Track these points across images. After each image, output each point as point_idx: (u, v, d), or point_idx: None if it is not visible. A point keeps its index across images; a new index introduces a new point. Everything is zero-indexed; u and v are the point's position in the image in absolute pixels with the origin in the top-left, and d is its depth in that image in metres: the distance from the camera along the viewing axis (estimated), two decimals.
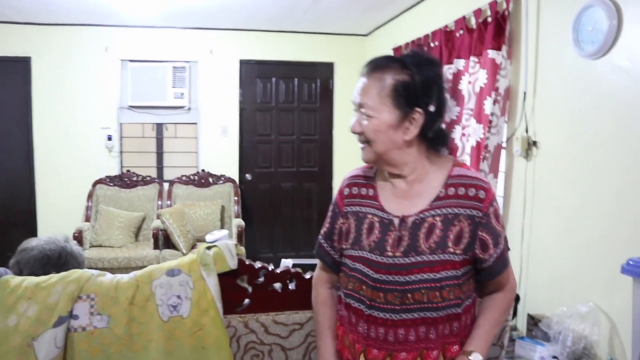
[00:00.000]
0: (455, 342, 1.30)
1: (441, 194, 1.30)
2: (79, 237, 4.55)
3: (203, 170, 5.46)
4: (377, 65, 1.29)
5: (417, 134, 1.29)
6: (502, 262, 1.33)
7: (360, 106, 1.29)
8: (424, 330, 1.27)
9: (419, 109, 1.27)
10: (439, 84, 1.30)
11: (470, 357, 1.29)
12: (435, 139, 1.33)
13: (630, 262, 1.74)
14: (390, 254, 1.28)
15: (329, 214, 1.47)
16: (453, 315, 1.28)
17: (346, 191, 1.43)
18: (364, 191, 1.40)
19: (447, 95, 1.36)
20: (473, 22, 3.32)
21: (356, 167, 1.47)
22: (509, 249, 1.37)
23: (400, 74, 1.27)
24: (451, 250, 1.26)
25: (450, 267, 1.26)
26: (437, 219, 1.28)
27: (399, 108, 1.26)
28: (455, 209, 1.28)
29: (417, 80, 1.26)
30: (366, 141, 1.30)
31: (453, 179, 1.31)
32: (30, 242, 1.75)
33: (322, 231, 1.48)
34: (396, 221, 1.30)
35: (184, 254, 4.40)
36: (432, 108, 1.27)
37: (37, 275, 1.64)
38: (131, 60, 5.35)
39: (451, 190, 1.29)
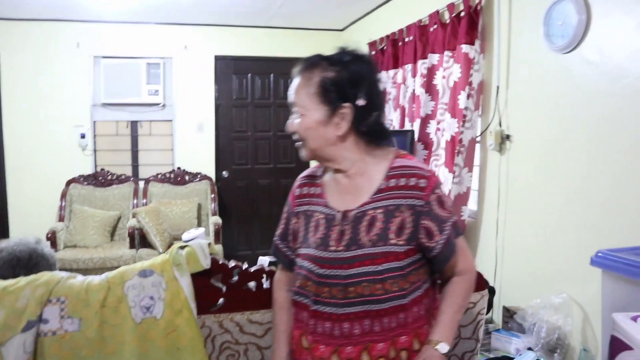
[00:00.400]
0: (404, 333, 1.29)
1: (382, 186, 1.31)
2: (52, 238, 4.46)
3: (179, 168, 5.40)
4: (306, 64, 1.32)
5: (351, 128, 1.30)
6: (450, 247, 1.32)
7: (292, 105, 1.32)
8: (369, 323, 1.27)
9: (346, 104, 1.28)
10: (370, 78, 1.31)
11: (436, 347, 1.29)
12: (372, 133, 1.33)
13: (599, 254, 1.77)
14: (333, 248, 1.30)
15: (284, 214, 1.49)
16: (398, 307, 1.27)
17: (297, 191, 1.46)
18: (312, 190, 1.42)
19: (381, 89, 1.37)
20: (447, 17, 3.34)
21: (308, 169, 1.49)
22: (460, 233, 1.37)
23: (327, 71, 1.29)
24: (393, 241, 1.27)
25: (393, 259, 1.27)
26: (378, 211, 1.29)
27: (326, 104, 1.28)
28: (396, 200, 1.29)
29: (344, 76, 1.28)
30: (301, 139, 1.33)
31: (394, 170, 1.32)
32: (1, 244, 1.71)
33: (277, 232, 1.49)
34: (338, 216, 1.32)
35: (160, 253, 4.35)
36: (361, 102, 1.28)
37: (6, 277, 1.60)
38: (104, 57, 5.25)
39: (392, 182, 1.30)
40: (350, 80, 1.29)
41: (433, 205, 1.29)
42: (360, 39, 5.05)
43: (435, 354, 1.30)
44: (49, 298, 1.44)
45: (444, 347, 1.30)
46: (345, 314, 1.27)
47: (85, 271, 4.30)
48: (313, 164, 1.48)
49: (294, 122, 1.33)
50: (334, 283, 1.28)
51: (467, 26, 3.06)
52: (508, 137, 2.87)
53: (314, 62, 1.31)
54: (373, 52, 4.61)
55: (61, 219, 4.92)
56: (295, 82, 1.33)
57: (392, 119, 4.11)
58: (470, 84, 3.02)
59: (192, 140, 5.50)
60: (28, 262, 1.66)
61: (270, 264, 1.75)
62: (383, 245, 1.27)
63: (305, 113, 1.30)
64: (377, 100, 1.33)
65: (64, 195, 5.02)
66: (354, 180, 1.35)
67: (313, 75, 1.30)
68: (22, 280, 1.46)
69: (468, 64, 3.06)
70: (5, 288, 1.42)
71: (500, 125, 2.93)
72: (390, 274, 1.26)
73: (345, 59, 1.31)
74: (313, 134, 1.31)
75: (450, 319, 1.34)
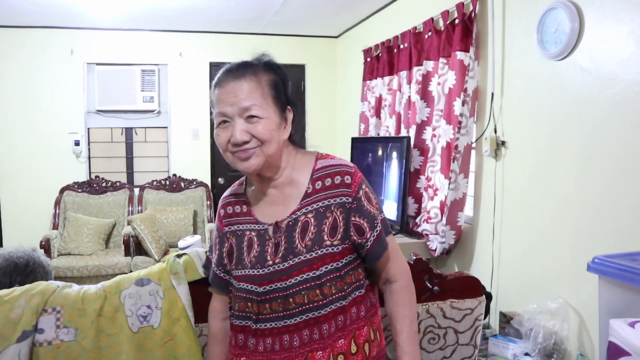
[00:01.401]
0: (342, 336, 1.24)
1: (309, 190, 1.27)
2: (46, 246, 4.43)
3: (174, 175, 5.39)
4: (246, 68, 1.25)
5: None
6: (381, 244, 1.29)
7: (245, 110, 1.20)
8: (307, 333, 1.24)
9: (289, 107, 1.29)
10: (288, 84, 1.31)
11: None
12: (297, 137, 1.35)
13: (596, 260, 1.78)
14: (270, 262, 1.25)
15: (215, 239, 1.42)
16: (338, 310, 1.24)
17: (222, 212, 1.39)
18: (237, 209, 1.37)
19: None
20: (441, 24, 3.36)
21: (229, 188, 1.44)
22: (390, 231, 1.34)
23: (268, 74, 1.26)
24: (328, 243, 1.24)
25: (330, 261, 1.24)
26: (310, 215, 1.25)
27: (278, 107, 1.25)
28: (325, 201, 1.26)
29: (282, 79, 1.28)
30: (257, 146, 1.22)
31: (318, 172, 1.29)
32: None
33: (213, 260, 1.42)
34: (270, 229, 1.28)
35: (156, 261, 4.33)
36: (292, 106, 1.30)
37: (1, 284, 1.59)
38: (98, 64, 5.26)
39: (318, 184, 1.27)
40: (285, 84, 1.28)
41: (362, 200, 1.27)
42: (355, 46, 5.07)
43: None
44: (45, 308, 1.42)
45: None
46: (285, 326, 1.24)
47: (80, 279, 4.27)
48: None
49: (251, 128, 1.21)
50: (274, 297, 1.24)
51: (462, 33, 3.08)
52: (503, 143, 2.89)
53: (251, 66, 1.26)
54: (368, 59, 4.63)
55: (55, 226, 4.89)
56: (241, 85, 1.21)
57: (388, 125, 4.12)
58: (465, 90, 3.03)
59: (187, 147, 5.50)
60: (25, 268, 1.65)
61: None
62: (318, 248, 1.23)
63: (266, 115, 1.22)
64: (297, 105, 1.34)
65: (58, 203, 4.99)
66: (282, 190, 1.31)
67: (259, 77, 1.24)
68: (17, 290, 1.45)
69: (463, 70, 3.07)
70: (0, 297, 1.41)
71: (495, 131, 2.94)
72: (328, 277, 1.23)
73: (273, 64, 1.29)
74: (275, 137, 1.24)
75: (409, 335, 1.30)
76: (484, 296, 1.77)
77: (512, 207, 2.85)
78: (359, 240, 1.27)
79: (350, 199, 1.25)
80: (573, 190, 2.41)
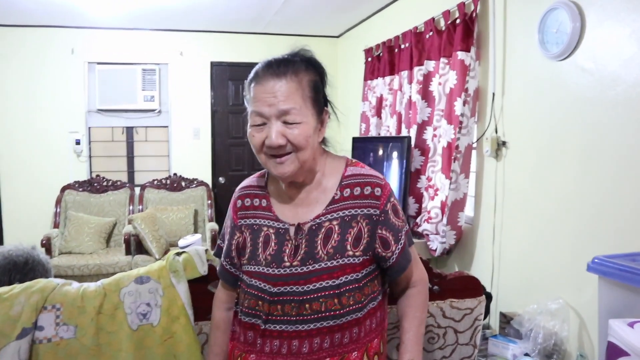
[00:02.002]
0: (356, 349, 1.23)
1: (336, 196, 1.24)
2: (47, 244, 4.44)
3: (175, 174, 5.39)
4: (287, 65, 1.18)
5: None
6: (406, 257, 1.29)
7: (283, 113, 1.15)
8: (318, 341, 1.21)
9: (326, 108, 1.25)
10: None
11: None
12: (326, 140, 1.30)
13: (596, 260, 1.78)
14: (287, 264, 1.21)
15: (226, 229, 1.38)
16: (353, 322, 1.22)
17: (239, 203, 1.34)
18: (256, 202, 1.32)
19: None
20: (442, 24, 3.36)
21: (247, 179, 1.40)
22: (412, 242, 1.34)
23: (309, 74, 1.20)
24: (350, 253, 1.21)
25: (350, 271, 1.21)
26: (334, 222, 1.22)
27: (316, 109, 1.21)
28: (352, 210, 1.23)
29: (322, 78, 1.24)
30: (292, 151, 1.18)
31: (347, 179, 1.25)
32: None
33: (224, 249, 1.38)
34: (291, 230, 1.24)
35: (157, 259, 4.33)
36: (329, 107, 1.26)
37: (1, 282, 1.59)
38: (99, 63, 5.26)
39: (346, 192, 1.24)
40: (324, 83, 1.24)
41: (389, 214, 1.24)
42: (356, 46, 5.07)
43: None
44: (44, 305, 1.43)
45: None
46: (297, 331, 1.21)
47: (81, 278, 4.28)
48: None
49: (287, 132, 1.16)
50: (288, 300, 1.21)
51: (463, 33, 3.08)
52: (504, 143, 2.88)
53: (294, 63, 1.19)
54: (369, 59, 4.63)
55: (56, 225, 4.89)
56: (280, 85, 1.15)
57: (388, 125, 4.12)
58: (466, 90, 3.03)
59: (188, 146, 5.50)
60: (24, 266, 1.65)
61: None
62: (340, 257, 1.20)
63: (305, 120, 1.17)
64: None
65: (58, 202, 5.00)
66: (309, 193, 1.26)
67: (300, 77, 1.18)
68: (16, 287, 1.45)
69: (464, 70, 3.07)
70: None
71: (496, 131, 2.94)
72: (347, 287, 1.20)
73: (314, 61, 1.24)
74: (311, 143, 1.19)
75: (415, 334, 1.30)
76: (483, 296, 1.77)
77: (513, 208, 2.85)
78: (384, 254, 1.25)
79: (378, 212, 1.23)
80: (573, 190, 2.41)
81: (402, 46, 3.91)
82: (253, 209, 1.31)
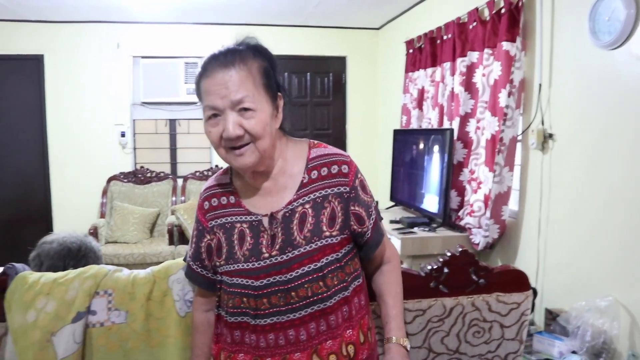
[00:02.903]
0: (350, 327, 1.24)
1: (305, 179, 1.23)
2: (94, 233, 4.59)
3: (216, 166, 5.47)
4: (234, 55, 1.16)
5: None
6: (379, 231, 1.30)
7: (237, 103, 1.13)
8: (314, 325, 1.20)
9: (279, 94, 1.23)
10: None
11: (404, 344, 1.29)
12: (286, 125, 1.28)
13: None
14: (266, 255, 1.20)
15: (194, 232, 1.35)
16: (342, 301, 1.22)
17: (206, 205, 1.31)
18: (224, 200, 1.29)
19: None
20: (487, 14, 3.28)
21: (209, 179, 1.36)
22: (381, 217, 1.34)
23: (258, 61, 1.18)
24: (327, 234, 1.21)
25: (330, 252, 1.21)
26: (307, 206, 1.21)
27: (270, 95, 1.19)
28: (322, 191, 1.22)
29: (272, 64, 1.22)
30: (250, 142, 1.16)
31: (313, 161, 1.25)
32: (51, 236, 1.78)
33: (189, 253, 1.37)
34: (265, 220, 1.23)
35: None
36: (283, 92, 1.25)
37: (56, 267, 1.65)
38: (143, 57, 5.37)
39: (314, 174, 1.23)
40: (274, 69, 1.22)
41: (358, 190, 1.25)
42: (397, 38, 5.02)
43: (402, 351, 1.29)
44: (97, 290, 1.47)
45: (408, 343, 1.30)
46: (290, 320, 1.20)
47: (126, 266, 4.37)
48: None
49: (244, 122, 1.14)
50: (273, 291, 1.19)
51: (508, 23, 3.00)
52: (551, 135, 2.81)
53: (240, 51, 1.17)
54: (410, 51, 4.58)
55: (102, 215, 5.05)
56: (231, 75, 1.13)
57: (430, 117, 4.07)
58: (511, 81, 2.96)
59: None
60: (77, 252, 1.72)
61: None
62: (318, 240, 1.20)
63: (259, 107, 1.15)
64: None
65: (105, 192, 5.16)
66: (276, 181, 1.25)
67: (249, 65, 1.15)
68: (71, 273, 1.50)
69: (509, 61, 3.00)
70: (55, 280, 1.47)
71: (542, 123, 2.86)
72: (329, 268, 1.20)
73: (260, 47, 1.22)
74: (268, 131, 1.17)
75: (400, 311, 1.34)
76: (530, 291, 1.73)
77: (560, 202, 2.77)
78: (360, 230, 1.26)
79: (348, 189, 1.24)
80: (625, 185, 2.32)
81: (445, 37, 3.85)
82: (222, 208, 1.29)
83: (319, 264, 1.20)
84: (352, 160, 1.27)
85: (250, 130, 1.14)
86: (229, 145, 1.16)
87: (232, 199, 1.28)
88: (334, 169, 1.24)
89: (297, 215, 1.21)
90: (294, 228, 1.21)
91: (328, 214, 1.22)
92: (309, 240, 1.20)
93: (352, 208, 1.24)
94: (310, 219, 1.21)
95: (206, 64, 1.17)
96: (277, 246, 1.20)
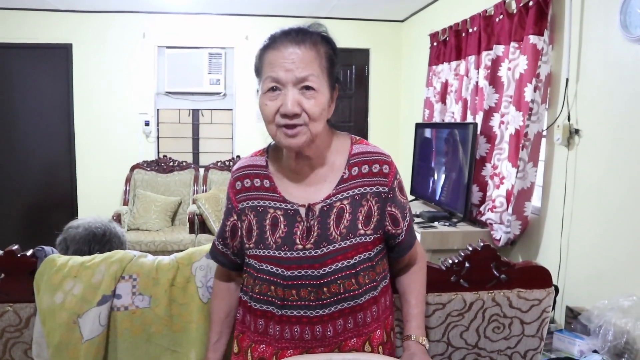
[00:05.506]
0: (377, 327, 1.25)
1: (345, 175, 1.22)
2: (117, 220, 4.65)
3: (238, 157, 5.51)
4: (305, 34, 1.13)
5: None
6: (412, 233, 1.31)
7: (301, 80, 1.10)
8: (342, 322, 1.20)
9: (337, 86, 1.22)
10: None
11: (423, 343, 1.29)
12: (333, 118, 1.26)
13: None
14: (300, 246, 1.18)
15: (224, 209, 1.33)
16: (371, 300, 1.23)
17: (238, 185, 1.27)
18: (257, 182, 1.26)
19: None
20: (513, 7, 3.23)
21: (242, 158, 1.34)
22: (413, 220, 1.34)
23: (324, 45, 1.16)
24: (362, 232, 1.20)
25: (363, 250, 1.21)
26: (345, 202, 1.20)
27: (330, 82, 1.17)
28: (361, 189, 1.21)
29: (335, 53, 1.19)
30: (304, 123, 1.12)
31: (354, 157, 1.23)
32: (77, 221, 1.82)
33: (218, 230, 1.37)
34: (302, 211, 1.20)
35: None
36: (339, 85, 1.23)
37: (82, 252, 1.69)
38: (168, 47, 5.42)
39: (354, 170, 1.22)
40: (338, 59, 1.19)
41: (396, 191, 1.25)
42: (421, 30, 4.98)
43: (422, 349, 1.28)
44: (122, 275, 1.51)
45: (427, 342, 1.30)
46: (318, 316, 1.19)
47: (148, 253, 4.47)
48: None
49: (309, 102, 1.11)
50: (304, 284, 1.18)
51: (536, 16, 2.95)
52: (577, 131, 2.76)
53: (311, 33, 1.15)
54: (434, 44, 4.54)
55: (125, 202, 5.13)
56: (301, 52, 1.10)
57: (453, 111, 4.03)
58: (537, 76, 2.92)
59: (251, 129, 5.60)
60: (102, 237, 1.76)
61: None
62: (353, 237, 1.19)
63: (321, 89, 1.12)
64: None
65: (128, 180, 5.23)
66: (316, 171, 1.23)
67: (317, 46, 1.13)
68: (97, 257, 1.54)
69: (536, 55, 2.95)
70: (83, 263, 1.50)
71: (568, 119, 2.81)
72: (362, 266, 1.20)
73: (328, 37, 1.19)
74: (324, 116, 1.15)
75: (422, 311, 1.33)
76: (552, 287, 1.72)
77: (585, 199, 2.73)
78: (394, 231, 1.26)
79: (387, 189, 1.23)
80: None
81: (470, 30, 3.80)
82: (255, 190, 1.25)
83: (352, 261, 1.20)
84: (392, 161, 1.26)
85: (308, 110, 1.11)
86: (282, 122, 1.13)
87: (267, 183, 1.25)
88: (375, 167, 1.23)
89: (334, 210, 1.20)
90: (331, 223, 1.19)
91: (365, 212, 1.21)
92: (345, 236, 1.19)
93: (389, 209, 1.24)
94: (347, 215, 1.20)
95: (275, 37, 1.15)
96: (312, 240, 1.19)
